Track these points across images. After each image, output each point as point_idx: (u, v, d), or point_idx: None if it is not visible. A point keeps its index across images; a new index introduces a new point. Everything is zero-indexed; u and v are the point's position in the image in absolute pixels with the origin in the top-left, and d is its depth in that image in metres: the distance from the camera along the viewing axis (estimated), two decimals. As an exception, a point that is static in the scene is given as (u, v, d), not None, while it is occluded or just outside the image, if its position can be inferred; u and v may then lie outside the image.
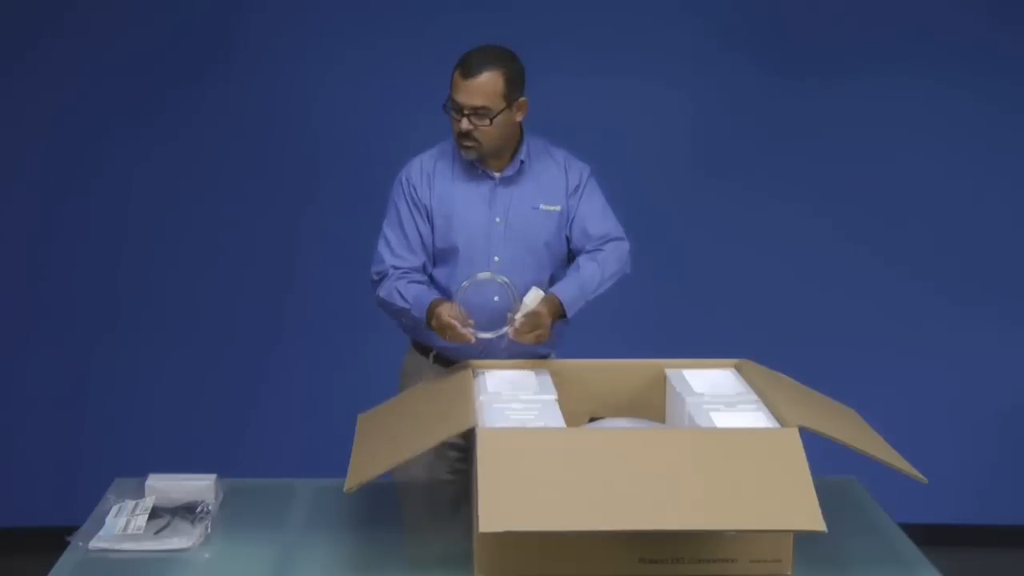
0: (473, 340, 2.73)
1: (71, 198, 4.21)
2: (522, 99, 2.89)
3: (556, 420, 2.42)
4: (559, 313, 2.85)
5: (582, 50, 4.18)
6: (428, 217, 2.94)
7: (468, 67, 2.82)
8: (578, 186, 2.99)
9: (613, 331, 4.21)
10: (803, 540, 2.29)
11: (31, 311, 4.26)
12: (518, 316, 2.76)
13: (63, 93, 4.14)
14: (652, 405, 2.72)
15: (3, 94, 4.13)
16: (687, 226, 4.28)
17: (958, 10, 4.20)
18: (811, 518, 2.10)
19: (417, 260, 2.93)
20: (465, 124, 2.83)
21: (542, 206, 2.96)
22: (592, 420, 2.67)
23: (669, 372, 2.71)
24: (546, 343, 2.95)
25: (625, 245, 3.03)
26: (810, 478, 2.16)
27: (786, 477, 2.17)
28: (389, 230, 2.96)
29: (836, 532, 2.16)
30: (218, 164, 4.21)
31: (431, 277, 2.98)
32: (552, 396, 2.54)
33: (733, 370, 2.72)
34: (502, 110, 2.83)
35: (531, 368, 2.76)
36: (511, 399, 2.52)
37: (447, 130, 2.94)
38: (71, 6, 4.09)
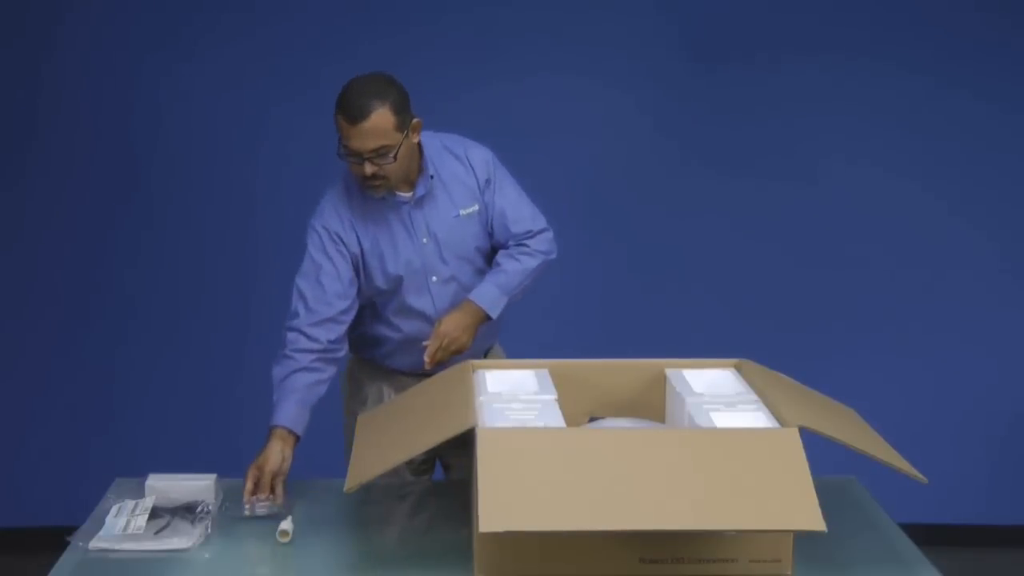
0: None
1: (69, 201, 4.21)
2: (415, 120, 2.77)
3: (556, 420, 2.42)
4: (479, 317, 2.88)
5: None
6: (358, 264, 2.87)
7: (352, 112, 2.67)
8: (488, 179, 2.94)
9: (613, 331, 4.22)
10: (803, 540, 2.29)
11: (31, 312, 4.27)
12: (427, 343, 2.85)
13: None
14: (652, 405, 2.72)
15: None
16: (687, 226, 4.28)
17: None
18: (811, 518, 2.10)
19: (332, 310, 2.83)
20: (369, 168, 2.71)
21: (461, 212, 2.92)
22: (592, 420, 2.67)
23: (669, 372, 2.70)
24: (485, 336, 3.00)
25: (547, 234, 3.01)
26: (810, 478, 2.16)
27: (786, 477, 2.17)
28: (303, 282, 2.85)
29: (836, 532, 2.16)
30: (215, 165, 4.21)
31: (381, 315, 2.96)
32: (552, 396, 2.54)
33: (733, 370, 2.72)
34: (401, 142, 2.73)
35: (531, 368, 2.76)
36: (511, 399, 2.52)
37: None
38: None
